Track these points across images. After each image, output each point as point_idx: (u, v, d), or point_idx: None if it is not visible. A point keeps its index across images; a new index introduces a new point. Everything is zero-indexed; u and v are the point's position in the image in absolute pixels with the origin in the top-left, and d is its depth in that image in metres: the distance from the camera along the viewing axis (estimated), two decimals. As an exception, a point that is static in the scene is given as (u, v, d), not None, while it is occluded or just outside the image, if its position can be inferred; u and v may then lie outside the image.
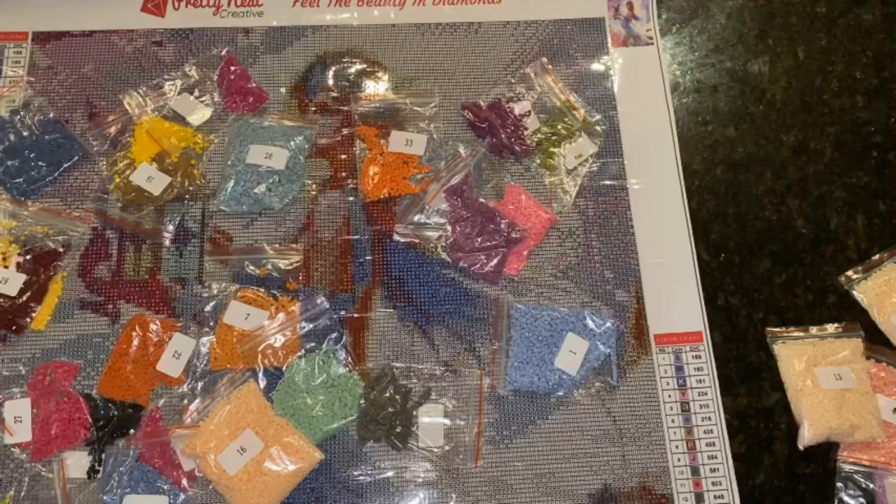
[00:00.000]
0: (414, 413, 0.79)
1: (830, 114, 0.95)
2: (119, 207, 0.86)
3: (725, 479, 0.79)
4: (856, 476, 0.78)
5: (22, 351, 0.80)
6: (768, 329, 0.85)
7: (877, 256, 0.88)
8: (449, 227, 0.86)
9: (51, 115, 0.89)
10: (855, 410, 0.78)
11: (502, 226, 0.85)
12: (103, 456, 0.76)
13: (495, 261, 0.84)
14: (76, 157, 0.87)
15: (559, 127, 0.91)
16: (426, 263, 0.86)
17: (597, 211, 0.89)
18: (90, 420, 0.77)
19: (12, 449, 0.76)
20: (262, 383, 0.79)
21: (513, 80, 0.94)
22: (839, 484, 0.78)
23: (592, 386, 0.81)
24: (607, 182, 0.90)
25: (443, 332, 0.83)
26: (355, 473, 0.77)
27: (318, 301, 0.82)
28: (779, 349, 0.83)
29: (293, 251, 0.85)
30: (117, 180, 0.87)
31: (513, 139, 0.90)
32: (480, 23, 0.97)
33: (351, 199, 0.88)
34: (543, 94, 0.93)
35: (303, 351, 0.80)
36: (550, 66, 0.94)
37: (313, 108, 0.92)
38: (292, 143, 0.88)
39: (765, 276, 0.88)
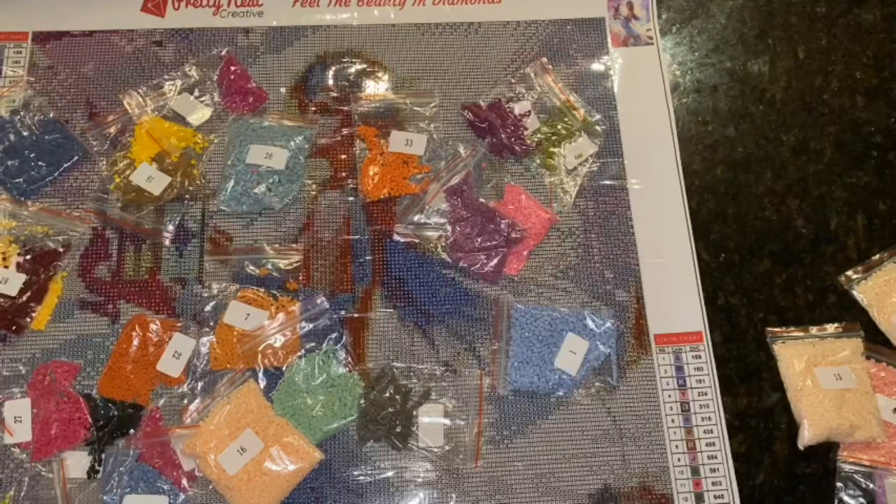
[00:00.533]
0: (414, 413, 0.79)
1: (830, 114, 0.95)
2: (119, 207, 0.86)
3: (725, 479, 0.79)
4: (856, 476, 0.78)
5: (22, 351, 0.80)
6: (768, 329, 0.85)
7: (877, 256, 0.88)
8: (449, 227, 0.86)
9: (51, 115, 0.89)
10: (855, 410, 0.78)
11: (502, 226, 0.85)
12: (103, 456, 0.76)
13: (495, 261, 0.84)
14: (76, 157, 0.87)
15: (559, 127, 0.91)
16: (426, 263, 0.86)
17: (597, 211, 0.89)
18: (90, 420, 0.77)
19: (12, 449, 0.76)
20: (262, 383, 0.79)
21: (513, 80, 0.94)
22: (839, 484, 0.78)
23: (592, 386, 0.81)
24: (607, 182, 0.90)
25: (443, 332, 0.83)
26: (355, 473, 0.77)
27: (318, 301, 0.82)
28: (779, 349, 0.83)
29: (293, 251, 0.85)
30: (117, 180, 0.87)
31: (513, 139, 0.90)
32: (480, 23, 0.97)
33: (351, 199, 0.88)
34: (543, 94, 0.93)
35: (303, 351, 0.80)
36: (550, 66, 0.94)
37: (313, 108, 0.92)
38: (292, 143, 0.88)
39: (765, 276, 0.88)
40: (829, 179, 0.92)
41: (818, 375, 0.80)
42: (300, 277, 0.84)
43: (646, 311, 0.85)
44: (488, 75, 0.94)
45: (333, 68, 0.94)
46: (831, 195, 0.92)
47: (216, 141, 0.89)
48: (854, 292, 0.86)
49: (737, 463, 0.80)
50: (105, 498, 0.74)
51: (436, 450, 0.78)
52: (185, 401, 0.78)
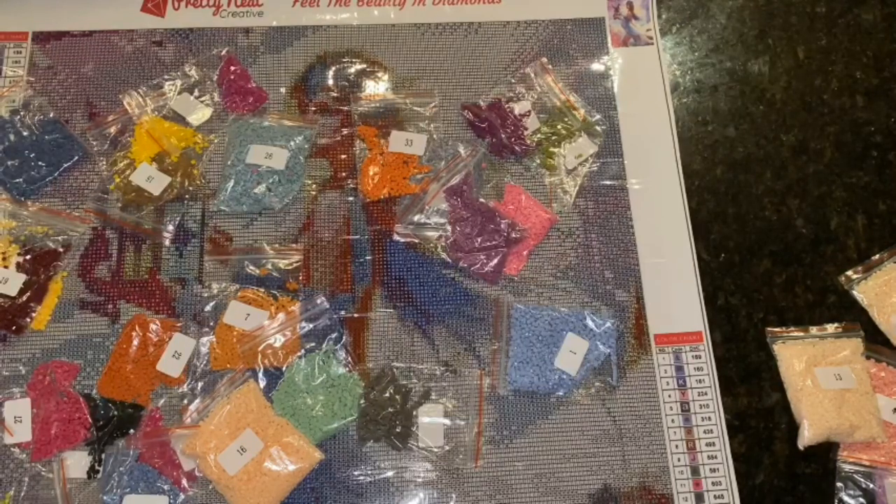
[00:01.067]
0: (414, 413, 0.79)
1: (830, 114, 0.95)
2: (119, 207, 0.86)
3: (725, 479, 0.79)
4: (856, 476, 0.78)
5: (22, 351, 0.80)
6: (768, 329, 0.85)
7: (877, 256, 0.88)
8: (449, 227, 0.86)
9: (51, 115, 0.89)
10: (855, 410, 0.78)
11: (502, 226, 0.85)
12: (103, 456, 0.76)
13: (495, 261, 0.84)
14: (76, 157, 0.87)
15: (559, 127, 0.91)
16: (426, 263, 0.86)
17: (597, 211, 0.89)
18: (90, 420, 0.77)
19: (12, 449, 0.76)
20: (262, 383, 0.79)
21: (513, 80, 0.94)
22: (839, 484, 0.78)
23: (592, 386, 0.81)
24: (607, 182, 0.90)
25: (443, 332, 0.83)
26: (355, 473, 0.77)
27: (318, 301, 0.82)
28: (779, 349, 0.83)
29: (293, 251, 0.85)
30: (117, 180, 0.87)
31: (513, 139, 0.90)
32: (480, 23, 0.97)
33: (351, 199, 0.88)
34: (543, 94, 0.93)
35: (303, 351, 0.80)
36: (550, 66, 0.94)
37: (313, 108, 0.92)
38: (292, 143, 0.88)
39: (765, 276, 0.88)
40: (829, 179, 0.92)
41: (818, 375, 0.80)
42: (300, 277, 0.84)
43: (646, 311, 0.85)
44: (488, 75, 0.94)
45: (333, 68, 0.94)
46: (831, 195, 0.92)
47: (216, 141, 0.89)
48: (854, 292, 0.86)
49: (737, 463, 0.80)
50: (105, 498, 0.74)
51: (436, 450, 0.78)
52: (185, 401, 0.78)
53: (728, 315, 0.86)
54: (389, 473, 0.77)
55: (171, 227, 0.86)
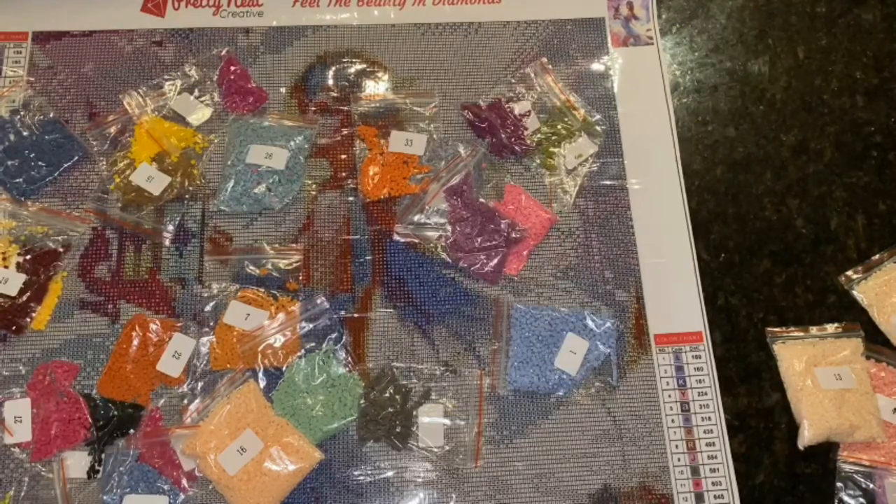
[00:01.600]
0: (414, 413, 0.79)
1: (830, 114, 0.95)
2: (119, 207, 0.86)
3: (725, 479, 0.79)
4: (856, 476, 0.78)
5: (22, 351, 0.80)
6: (768, 329, 0.85)
7: (877, 256, 0.88)
8: (449, 227, 0.86)
9: (51, 115, 0.89)
10: (855, 410, 0.78)
11: (502, 226, 0.85)
12: (103, 456, 0.76)
13: (495, 261, 0.84)
14: (76, 157, 0.87)
15: (559, 127, 0.91)
16: (426, 263, 0.86)
17: (597, 211, 0.89)
18: (90, 420, 0.77)
19: (12, 449, 0.76)
20: (262, 383, 0.79)
21: (513, 80, 0.94)
22: (839, 484, 0.78)
23: (592, 386, 0.81)
24: (607, 182, 0.90)
25: (443, 332, 0.83)
26: (355, 473, 0.77)
27: (318, 301, 0.82)
28: (779, 349, 0.83)
29: (293, 251, 0.85)
30: (117, 180, 0.87)
31: (513, 139, 0.90)
32: (480, 23, 0.97)
33: (351, 199, 0.88)
34: (543, 94, 0.93)
35: (303, 351, 0.80)
36: (550, 66, 0.94)
37: (313, 108, 0.92)
38: (292, 143, 0.88)
39: (765, 276, 0.88)
40: (829, 179, 0.92)
41: (818, 375, 0.80)
42: (300, 277, 0.84)
43: (646, 311, 0.85)
44: (488, 75, 0.94)
45: (333, 68, 0.94)
46: (831, 195, 0.92)
47: (216, 141, 0.89)
48: (854, 292, 0.86)
49: (737, 463, 0.80)
50: (105, 498, 0.74)
51: (436, 450, 0.78)
52: (185, 401, 0.78)
53: (728, 315, 0.86)
54: (389, 473, 0.77)
55: (171, 227, 0.86)
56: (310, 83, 0.93)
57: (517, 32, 0.97)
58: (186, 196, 0.87)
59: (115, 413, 0.78)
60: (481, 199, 0.87)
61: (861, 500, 0.78)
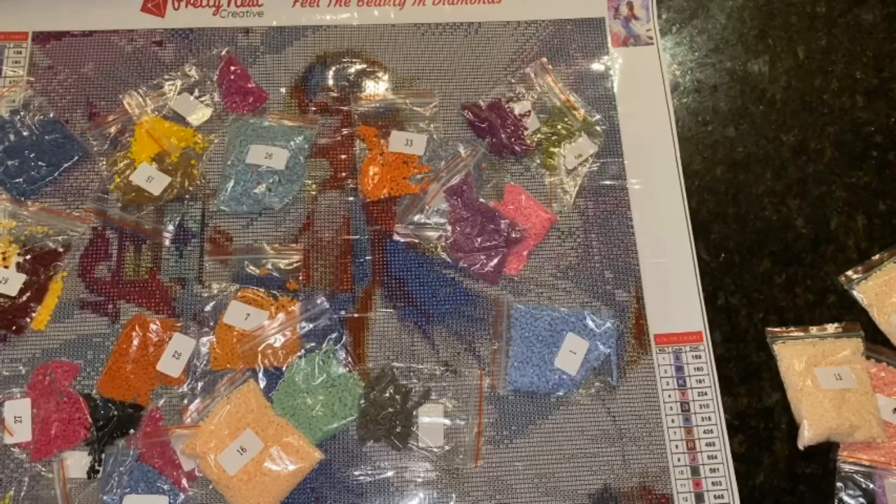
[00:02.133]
0: (414, 413, 0.79)
1: (830, 114, 0.95)
2: (119, 207, 0.86)
3: (725, 479, 0.79)
4: (856, 476, 0.78)
5: (22, 351, 0.80)
6: (768, 329, 0.85)
7: (877, 256, 0.88)
8: (449, 227, 0.86)
9: (51, 115, 0.89)
10: (855, 410, 0.78)
11: (502, 226, 0.85)
12: (103, 456, 0.76)
13: (495, 261, 0.84)
14: (76, 157, 0.87)
15: (559, 127, 0.91)
16: (426, 263, 0.86)
17: (597, 211, 0.89)
18: (90, 420, 0.77)
19: (12, 449, 0.76)
20: (262, 383, 0.79)
21: (513, 80, 0.94)
22: (839, 484, 0.78)
23: (592, 386, 0.81)
24: (607, 182, 0.90)
25: (443, 332, 0.83)
26: (355, 473, 0.77)
27: (318, 301, 0.82)
28: (779, 349, 0.83)
29: (293, 251, 0.85)
30: (117, 180, 0.87)
31: (513, 139, 0.90)
32: (480, 23, 0.97)
33: (351, 199, 0.88)
34: (543, 94, 0.93)
35: (303, 351, 0.80)
36: (550, 66, 0.94)
37: (313, 108, 0.92)
38: (292, 143, 0.88)
39: (765, 276, 0.88)
40: (829, 179, 0.92)
41: (818, 375, 0.80)
42: (300, 277, 0.84)
43: (646, 311, 0.85)
44: (488, 75, 0.94)
45: (333, 68, 0.94)
46: (831, 195, 0.92)
47: (216, 141, 0.89)
48: (854, 292, 0.86)
49: (737, 463, 0.80)
50: (105, 498, 0.74)
51: (436, 450, 0.78)
52: (185, 401, 0.78)
53: (728, 315, 0.86)
54: (389, 473, 0.77)
55: (171, 227, 0.86)
56: (310, 83, 0.93)
57: (517, 32, 0.97)
58: (186, 196, 0.87)
59: (115, 413, 0.78)
60: (481, 199, 0.87)
61: (861, 500, 0.78)
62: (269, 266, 0.84)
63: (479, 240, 0.85)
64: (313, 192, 0.88)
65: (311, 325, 0.81)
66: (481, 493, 0.77)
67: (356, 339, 0.82)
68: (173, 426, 0.77)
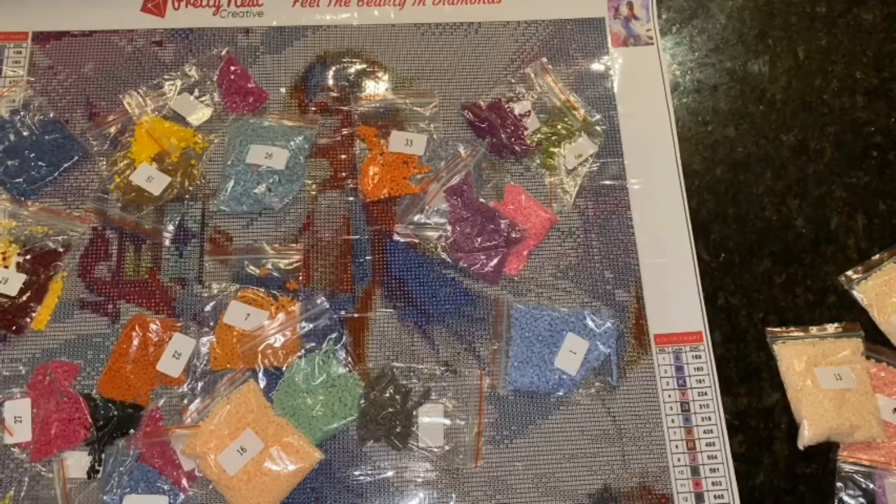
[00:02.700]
0: (414, 413, 0.79)
1: (830, 114, 0.95)
2: (119, 207, 0.86)
3: (725, 479, 0.79)
4: (856, 476, 0.78)
5: (22, 351, 0.80)
6: (768, 329, 0.85)
7: (877, 256, 0.88)
8: (449, 227, 0.86)
9: (51, 115, 0.89)
10: (855, 410, 0.78)
11: (502, 226, 0.85)
12: (103, 456, 0.76)
13: (495, 261, 0.84)
14: (76, 157, 0.87)
15: (559, 127, 0.91)
16: (426, 263, 0.86)
17: (597, 211, 0.89)
18: (90, 420, 0.77)
19: (12, 449, 0.76)
20: (262, 383, 0.79)
21: (513, 80, 0.94)
22: (839, 484, 0.78)
23: (592, 386, 0.81)
24: (607, 182, 0.90)
25: (443, 332, 0.83)
26: (355, 473, 0.77)
27: (318, 301, 0.82)
28: (779, 349, 0.83)
29: (293, 251, 0.85)
30: (117, 180, 0.87)
31: (513, 139, 0.90)
32: (480, 23, 0.97)
33: (351, 199, 0.88)
34: (543, 94, 0.93)
35: (303, 351, 0.80)
36: (550, 66, 0.94)
37: (313, 108, 0.92)
38: (292, 143, 0.88)
39: (765, 276, 0.88)
40: (829, 179, 0.92)
41: (818, 375, 0.80)
42: (300, 277, 0.84)
43: (646, 311, 0.85)
44: (488, 75, 0.94)
45: (333, 68, 0.94)
46: (831, 195, 0.92)
47: (216, 141, 0.89)
48: (854, 292, 0.86)
49: (737, 463, 0.80)
50: (105, 498, 0.74)
51: (436, 450, 0.78)
52: (185, 401, 0.78)
53: (728, 315, 0.86)
54: (389, 473, 0.78)
55: (171, 227, 0.86)
56: (310, 83, 0.93)
57: (517, 32, 0.97)
58: (186, 196, 0.87)
59: (115, 413, 0.78)
60: (481, 199, 0.87)
61: (861, 500, 0.78)
62: (269, 266, 0.84)
63: (479, 240, 0.85)
64: (313, 192, 0.88)
65: (311, 325, 0.81)
66: (481, 493, 0.77)
67: (356, 339, 0.82)
68: (173, 426, 0.77)
